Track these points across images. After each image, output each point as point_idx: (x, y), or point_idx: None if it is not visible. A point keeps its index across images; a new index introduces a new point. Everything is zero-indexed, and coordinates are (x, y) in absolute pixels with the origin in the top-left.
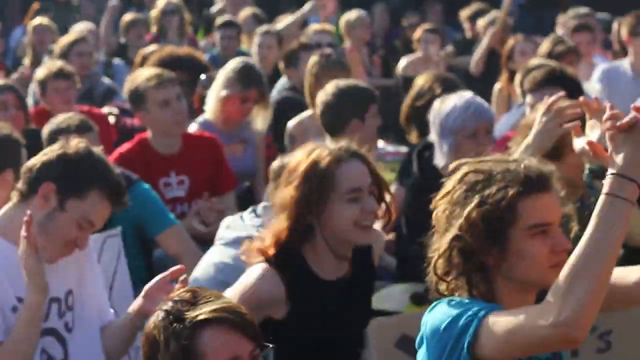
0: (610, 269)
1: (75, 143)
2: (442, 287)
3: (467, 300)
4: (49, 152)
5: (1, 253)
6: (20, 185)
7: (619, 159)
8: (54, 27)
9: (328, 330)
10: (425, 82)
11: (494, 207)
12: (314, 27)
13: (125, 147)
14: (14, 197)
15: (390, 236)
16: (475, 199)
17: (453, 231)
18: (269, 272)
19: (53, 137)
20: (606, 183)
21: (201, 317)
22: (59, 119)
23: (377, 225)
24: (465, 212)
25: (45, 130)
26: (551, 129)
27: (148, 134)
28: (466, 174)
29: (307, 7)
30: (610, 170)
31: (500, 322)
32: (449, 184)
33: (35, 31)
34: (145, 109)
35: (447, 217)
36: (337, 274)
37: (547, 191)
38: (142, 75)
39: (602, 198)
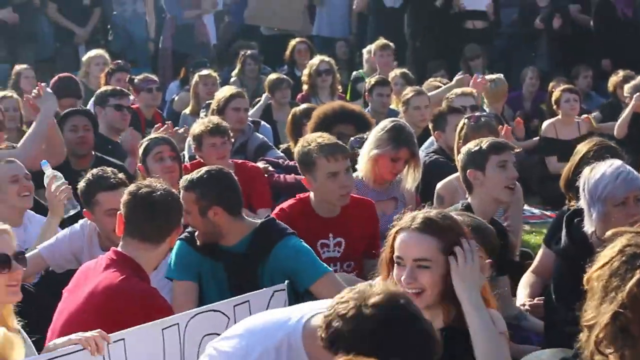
0: None
1: None
2: (597, 357)
3: None
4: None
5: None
6: None
7: None
8: (216, 79)
9: None
10: (587, 149)
11: None
12: (456, 90)
13: (287, 204)
14: None
15: (539, 300)
16: (637, 275)
17: (614, 306)
18: None
19: None
20: None
21: None
22: None
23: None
24: (628, 287)
25: None
26: None
27: (310, 195)
28: (626, 246)
29: (455, 81)
30: None
31: None
32: (607, 253)
33: (202, 82)
34: (313, 175)
35: (604, 287)
36: None
37: None
38: (315, 140)
39: None
